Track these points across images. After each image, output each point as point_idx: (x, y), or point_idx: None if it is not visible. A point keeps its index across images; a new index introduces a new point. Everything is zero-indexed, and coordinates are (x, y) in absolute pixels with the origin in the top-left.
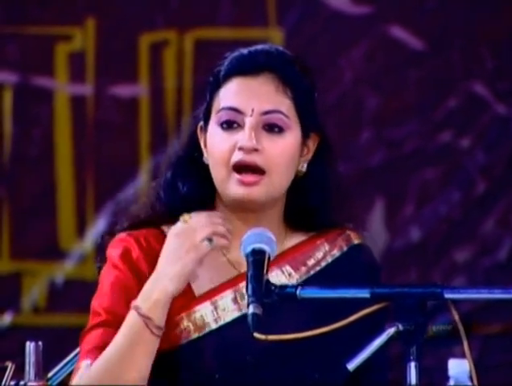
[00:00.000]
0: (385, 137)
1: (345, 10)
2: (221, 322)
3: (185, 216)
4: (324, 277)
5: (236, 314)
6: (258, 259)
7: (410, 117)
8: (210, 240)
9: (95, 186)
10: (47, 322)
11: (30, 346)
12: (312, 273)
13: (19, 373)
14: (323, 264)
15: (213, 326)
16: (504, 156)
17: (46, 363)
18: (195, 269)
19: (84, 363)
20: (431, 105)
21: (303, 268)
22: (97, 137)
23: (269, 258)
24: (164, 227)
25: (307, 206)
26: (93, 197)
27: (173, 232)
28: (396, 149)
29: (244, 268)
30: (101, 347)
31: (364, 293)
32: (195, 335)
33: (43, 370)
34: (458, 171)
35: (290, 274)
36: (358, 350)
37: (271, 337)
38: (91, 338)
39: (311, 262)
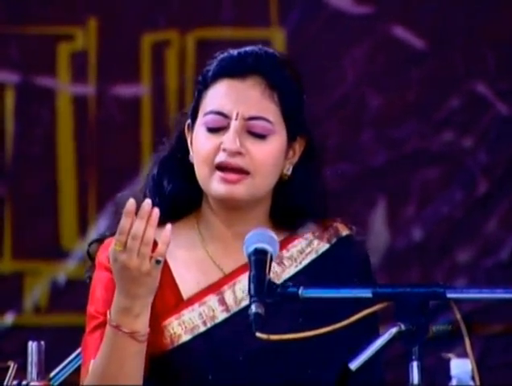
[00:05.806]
0: (387, 136)
1: (347, 9)
2: (210, 324)
3: (116, 245)
4: (312, 270)
5: (224, 315)
6: (260, 258)
7: (412, 117)
8: (157, 261)
9: (97, 186)
10: (49, 321)
11: (32, 346)
12: (300, 267)
13: (21, 373)
14: (310, 257)
15: (202, 328)
16: (506, 156)
17: (48, 362)
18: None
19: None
20: (433, 105)
21: (290, 264)
22: (99, 136)
23: (271, 258)
24: None
25: (293, 207)
26: (95, 196)
27: (120, 267)
28: (398, 148)
29: (228, 270)
30: None
31: (366, 293)
32: (185, 338)
33: (45, 370)
34: (460, 171)
35: (276, 273)
36: (360, 349)
37: (273, 337)
38: (92, 341)
39: (298, 257)
